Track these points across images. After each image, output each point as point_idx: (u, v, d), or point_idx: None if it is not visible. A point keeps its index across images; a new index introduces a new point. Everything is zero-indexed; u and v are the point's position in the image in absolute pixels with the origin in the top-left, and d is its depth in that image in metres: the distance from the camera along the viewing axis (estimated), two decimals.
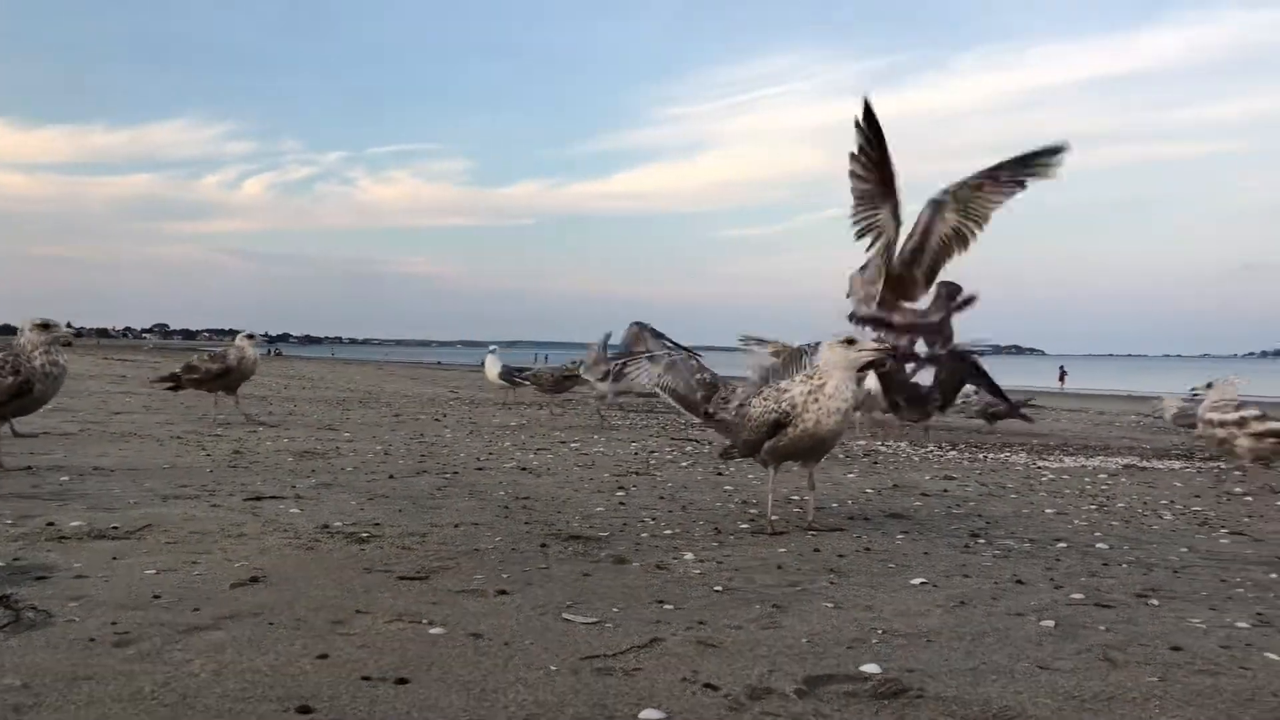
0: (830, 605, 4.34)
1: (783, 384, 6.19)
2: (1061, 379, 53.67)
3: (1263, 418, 8.97)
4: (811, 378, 6.01)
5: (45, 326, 7.56)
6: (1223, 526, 6.97)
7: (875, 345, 6.18)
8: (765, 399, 6.16)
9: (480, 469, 8.73)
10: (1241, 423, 8.94)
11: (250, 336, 12.88)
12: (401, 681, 3.18)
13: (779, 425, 6.02)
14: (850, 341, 5.96)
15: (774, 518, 6.32)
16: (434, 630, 3.75)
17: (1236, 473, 10.03)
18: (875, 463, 10.66)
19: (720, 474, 9.06)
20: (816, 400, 5.89)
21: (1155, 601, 4.59)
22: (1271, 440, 8.85)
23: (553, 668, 3.35)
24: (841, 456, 11.17)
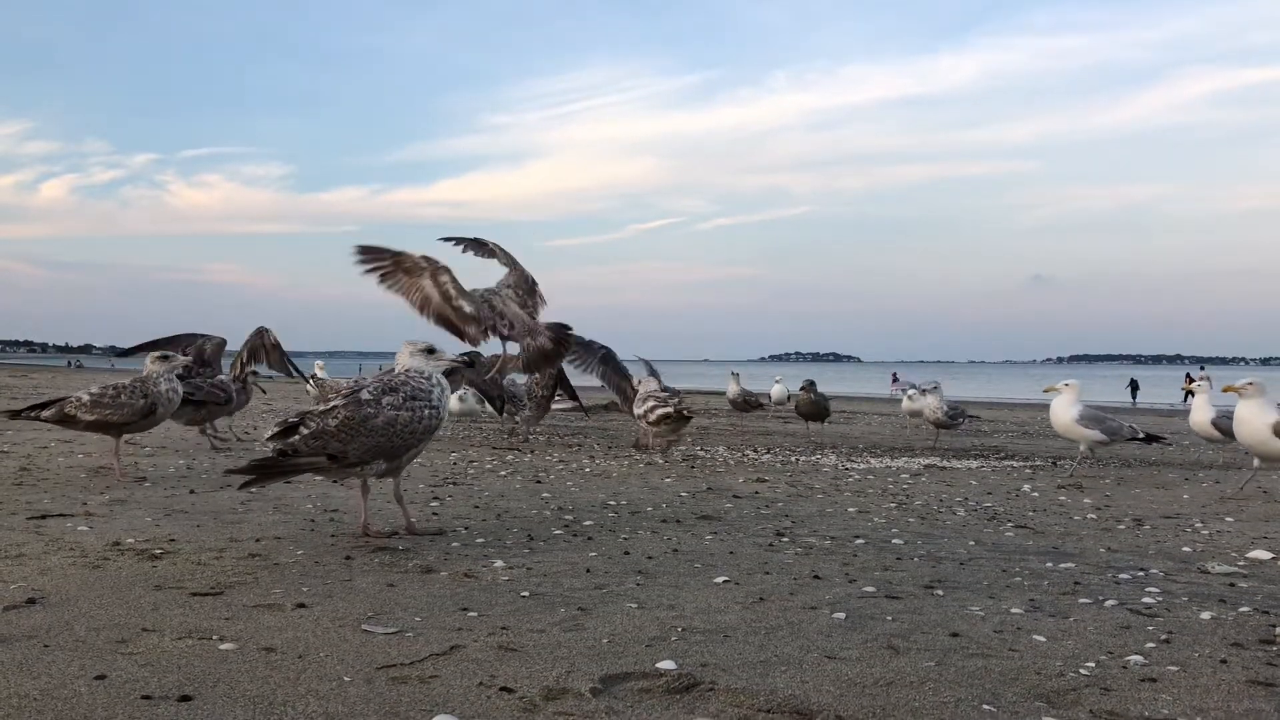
0: (634, 606, 4.41)
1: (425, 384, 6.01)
2: (894, 383, 56.09)
3: (658, 407, 11.84)
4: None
5: (165, 358, 8.79)
6: (1009, 521, 7.40)
7: (452, 356, 6.22)
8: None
9: (289, 482, 8.46)
10: (645, 414, 11.84)
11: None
12: (185, 699, 3.06)
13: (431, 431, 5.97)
14: (431, 350, 6.01)
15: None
16: (225, 646, 3.63)
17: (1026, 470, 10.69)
18: (693, 467, 10.88)
19: (539, 482, 9.07)
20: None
21: (940, 592, 4.85)
22: (665, 425, 11.80)
23: (346, 679, 3.29)
24: (660, 462, 11.34)
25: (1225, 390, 9.67)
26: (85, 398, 8.38)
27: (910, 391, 17.16)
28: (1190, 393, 11.97)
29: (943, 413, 14.98)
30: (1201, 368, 51.21)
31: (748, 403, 19.24)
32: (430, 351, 5.98)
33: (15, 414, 8.58)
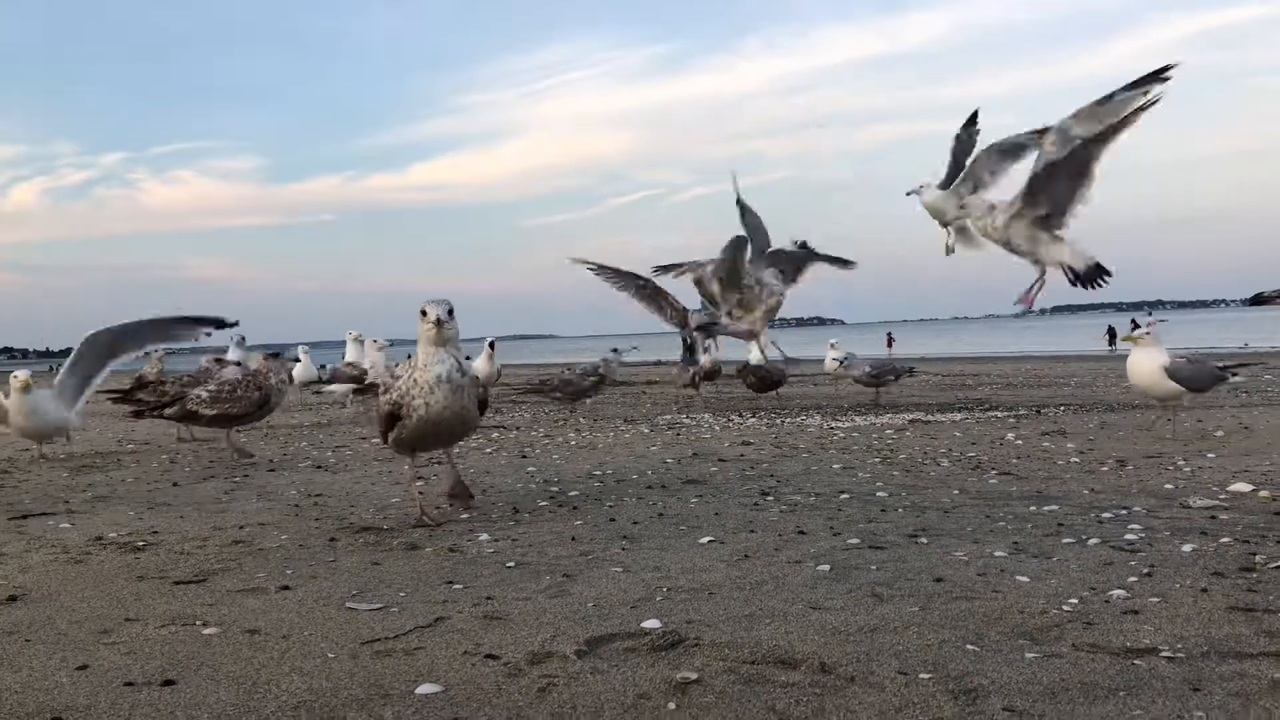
0: (620, 570, 4.41)
1: (396, 370, 5.81)
2: (890, 345, 56.34)
3: None
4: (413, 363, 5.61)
5: (275, 356, 9.62)
6: (993, 468, 7.43)
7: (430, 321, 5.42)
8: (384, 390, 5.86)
9: (272, 470, 8.45)
10: None
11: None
12: (168, 683, 3.05)
13: (394, 417, 5.68)
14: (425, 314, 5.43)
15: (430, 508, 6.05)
16: (208, 630, 3.62)
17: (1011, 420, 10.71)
18: (678, 434, 10.87)
19: (524, 456, 9.06)
20: (415, 383, 5.54)
21: (924, 540, 4.87)
22: None
23: (330, 655, 3.29)
24: (647, 431, 11.34)
25: (1123, 340, 9.77)
26: (205, 395, 9.10)
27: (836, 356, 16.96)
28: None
29: (865, 371, 15.15)
30: (1149, 313, 51.00)
31: (712, 373, 18.72)
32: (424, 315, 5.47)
33: (138, 414, 9.46)
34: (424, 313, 5.40)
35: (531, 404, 17.13)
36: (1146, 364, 9.06)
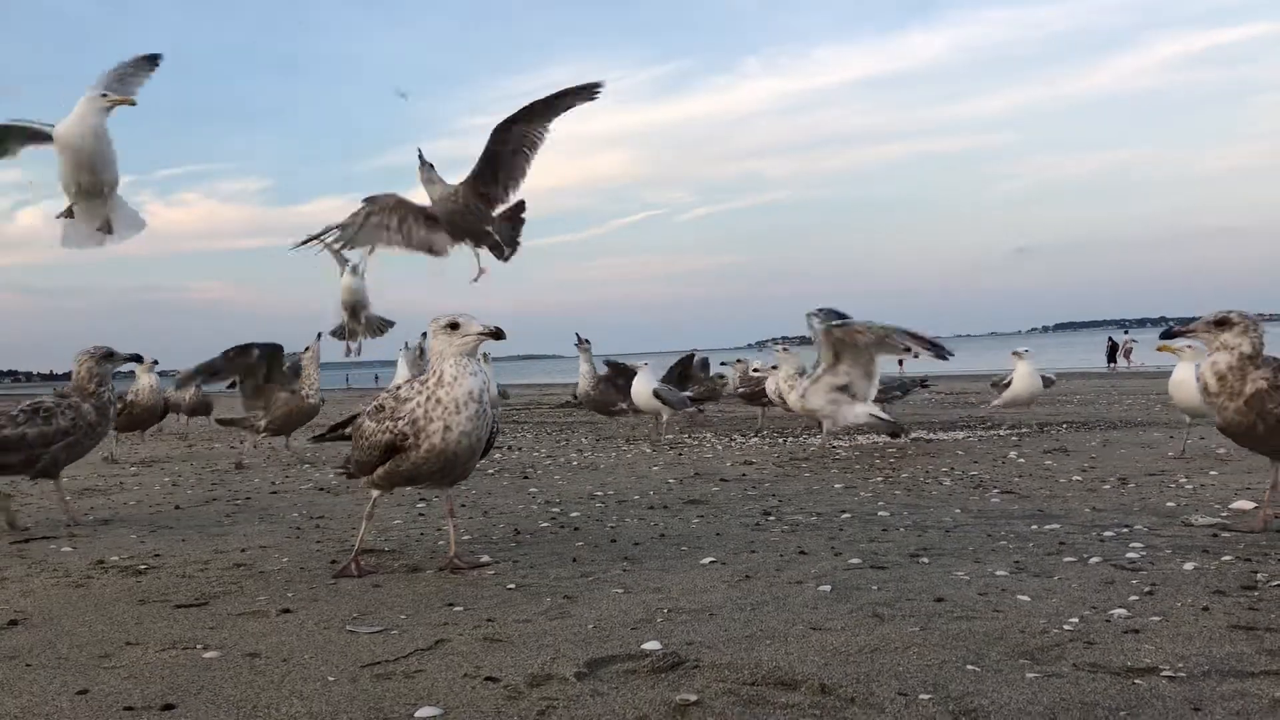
0: (621, 591, 4.41)
1: (401, 392, 4.89)
2: (900, 362, 56.17)
3: None
4: (426, 379, 4.81)
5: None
6: (995, 487, 7.43)
7: (482, 326, 4.75)
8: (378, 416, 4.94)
9: (275, 493, 8.45)
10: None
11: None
12: (167, 708, 3.05)
13: (394, 449, 4.82)
14: (455, 325, 4.73)
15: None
16: (208, 654, 3.61)
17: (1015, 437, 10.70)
18: (680, 454, 10.88)
19: (526, 478, 9.06)
20: (438, 401, 4.71)
21: (926, 560, 4.86)
22: None
23: (330, 679, 3.28)
24: (648, 451, 11.34)
25: (1160, 350, 9.27)
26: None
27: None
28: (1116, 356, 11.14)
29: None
30: (1126, 331, 50.93)
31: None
32: (453, 327, 4.75)
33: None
34: (455, 325, 4.72)
35: (534, 423, 17.15)
36: (1193, 382, 8.57)
